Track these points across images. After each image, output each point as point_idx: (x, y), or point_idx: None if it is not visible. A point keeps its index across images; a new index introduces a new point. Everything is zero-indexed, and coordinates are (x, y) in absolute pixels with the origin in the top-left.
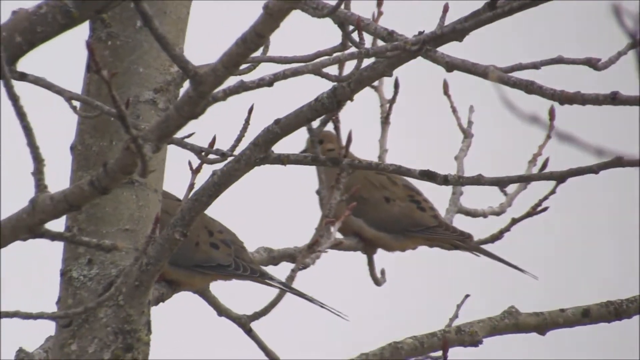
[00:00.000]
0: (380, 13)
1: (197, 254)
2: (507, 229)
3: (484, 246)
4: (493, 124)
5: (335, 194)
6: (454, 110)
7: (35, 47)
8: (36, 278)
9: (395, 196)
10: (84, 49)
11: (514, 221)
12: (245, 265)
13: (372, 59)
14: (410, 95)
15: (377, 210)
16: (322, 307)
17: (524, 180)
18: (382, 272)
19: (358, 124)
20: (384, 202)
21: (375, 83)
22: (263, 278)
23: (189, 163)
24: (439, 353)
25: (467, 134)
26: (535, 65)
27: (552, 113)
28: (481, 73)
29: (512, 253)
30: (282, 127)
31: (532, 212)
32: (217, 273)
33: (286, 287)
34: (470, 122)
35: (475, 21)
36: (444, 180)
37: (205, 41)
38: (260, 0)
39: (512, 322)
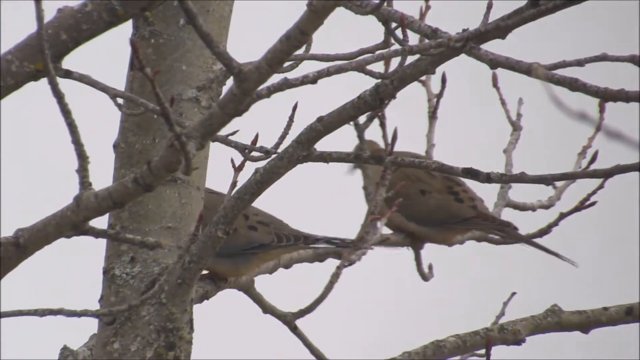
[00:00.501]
0: (427, 7)
1: (238, 239)
2: (555, 223)
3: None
4: (541, 118)
5: (381, 190)
6: (503, 103)
7: (81, 45)
8: (79, 276)
9: (431, 188)
10: (128, 47)
11: (562, 215)
12: (287, 235)
13: (416, 57)
14: (458, 89)
15: (413, 204)
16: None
17: (568, 177)
18: (430, 267)
19: (405, 119)
20: (419, 195)
21: (423, 78)
22: (307, 243)
23: (232, 161)
24: (482, 351)
25: (515, 127)
26: (580, 63)
27: (602, 106)
28: (525, 70)
29: (558, 248)
30: (324, 125)
31: (580, 206)
32: (263, 251)
33: (332, 243)
34: (519, 115)
35: (518, 18)
36: (486, 177)
37: (247, 39)
38: None
39: (555, 321)
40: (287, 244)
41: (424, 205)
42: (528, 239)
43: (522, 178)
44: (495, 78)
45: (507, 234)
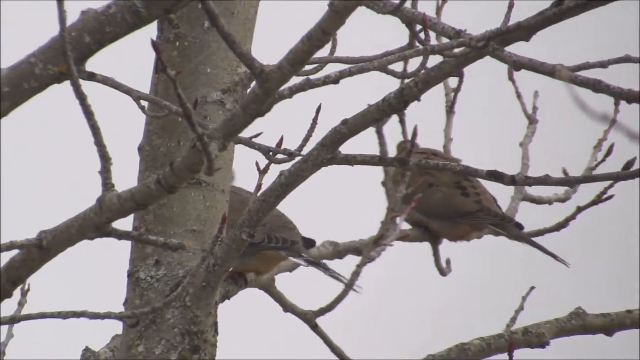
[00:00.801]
0: (444, 1)
1: None
2: (572, 217)
3: (540, 235)
4: (557, 111)
5: (401, 187)
6: (519, 96)
7: (104, 47)
8: (103, 278)
9: (439, 182)
10: (152, 49)
11: (579, 209)
12: (277, 238)
13: (438, 58)
14: (475, 83)
15: (421, 196)
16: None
17: (591, 180)
18: (447, 261)
19: (423, 114)
20: (426, 188)
21: None
22: (292, 251)
23: (256, 163)
24: (506, 354)
25: (531, 120)
26: (603, 64)
27: (617, 102)
28: (548, 72)
29: (577, 244)
30: (349, 128)
31: (597, 200)
32: (258, 251)
33: (309, 262)
34: (535, 108)
35: (541, 18)
36: (511, 180)
37: (273, 42)
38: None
39: (579, 324)
40: (275, 246)
41: (431, 198)
42: (526, 237)
43: (546, 180)
44: (510, 72)
45: (507, 231)
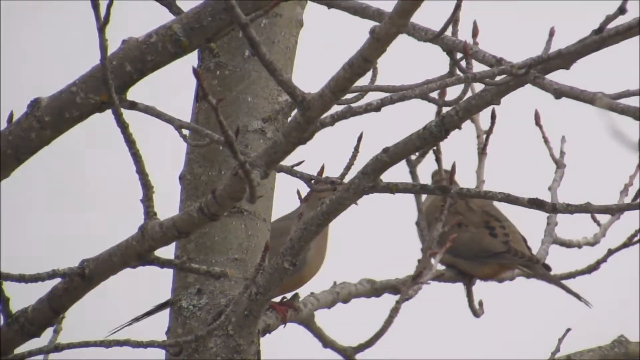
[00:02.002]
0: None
1: None
2: (603, 259)
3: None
4: (586, 154)
5: (438, 225)
6: (546, 141)
7: (145, 76)
8: (146, 307)
9: (468, 222)
10: (193, 79)
11: (610, 252)
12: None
13: (479, 86)
14: (508, 125)
15: (444, 236)
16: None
17: (633, 208)
18: (480, 303)
19: (454, 155)
20: (456, 227)
21: None
22: (530, 268)
23: (298, 192)
24: None
25: (559, 165)
26: None
27: None
28: (589, 100)
29: (607, 284)
30: (390, 156)
31: (628, 242)
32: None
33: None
34: (562, 153)
35: (581, 46)
36: (552, 208)
37: (312, 71)
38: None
39: (622, 351)
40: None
41: (459, 238)
42: (552, 277)
43: (588, 208)
44: (537, 116)
45: (533, 271)
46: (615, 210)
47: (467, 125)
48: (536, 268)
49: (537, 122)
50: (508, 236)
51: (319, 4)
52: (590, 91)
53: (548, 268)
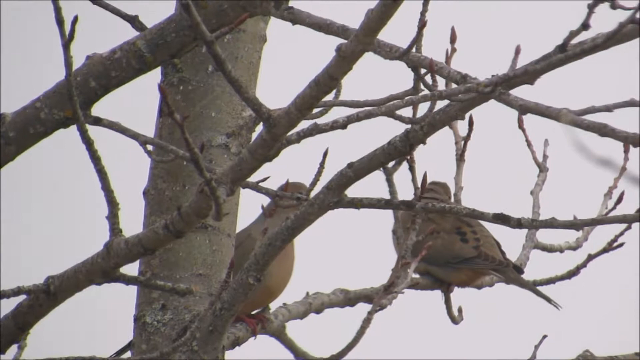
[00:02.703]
0: (454, 50)
1: None
2: (583, 264)
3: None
4: (568, 160)
5: (411, 234)
6: (529, 144)
7: (110, 92)
8: (110, 323)
9: (440, 228)
10: (156, 94)
11: (590, 257)
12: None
13: (445, 102)
14: (485, 132)
15: (423, 244)
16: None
17: (598, 222)
18: (460, 310)
19: (432, 162)
20: (429, 235)
21: None
22: (501, 272)
23: (262, 207)
24: None
25: (542, 168)
26: (608, 108)
27: (626, 147)
28: (554, 116)
29: (587, 290)
30: (355, 171)
31: (608, 247)
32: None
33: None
34: (545, 156)
35: (546, 63)
36: (517, 223)
37: (276, 86)
38: (333, 43)
39: None
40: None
41: (432, 245)
42: (523, 280)
43: (552, 223)
44: (521, 120)
45: (505, 275)
46: (581, 226)
47: (446, 131)
48: (507, 272)
49: (520, 126)
50: (479, 241)
51: (283, 20)
52: (555, 107)
53: (520, 271)
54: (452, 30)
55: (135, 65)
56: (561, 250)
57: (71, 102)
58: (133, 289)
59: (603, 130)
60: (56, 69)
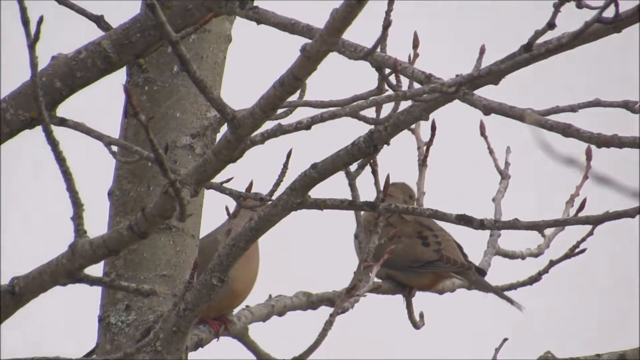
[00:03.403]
0: (416, 55)
1: None
2: (545, 270)
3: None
4: (530, 165)
5: (374, 237)
6: (491, 152)
7: (75, 93)
8: (75, 324)
9: (401, 232)
10: (122, 94)
11: (552, 263)
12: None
13: (409, 102)
14: (447, 137)
15: (383, 248)
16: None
17: (561, 224)
18: (421, 315)
19: (395, 167)
20: (392, 240)
21: (412, 125)
22: (463, 275)
23: (226, 208)
24: None
25: (504, 175)
26: (573, 108)
27: (588, 154)
28: (518, 116)
29: (550, 295)
30: (319, 172)
31: (570, 254)
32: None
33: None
34: (507, 164)
35: (511, 63)
36: (480, 224)
37: (242, 86)
38: (298, 44)
39: None
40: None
41: (387, 247)
42: (486, 283)
43: (515, 225)
44: (483, 127)
45: (467, 277)
46: (543, 227)
47: (409, 136)
48: (469, 274)
49: (482, 133)
50: (440, 244)
51: (247, 20)
52: (519, 107)
53: (482, 273)
54: (415, 35)
55: (101, 65)
56: (523, 257)
57: (36, 103)
58: (98, 290)
59: (567, 131)
60: (21, 69)
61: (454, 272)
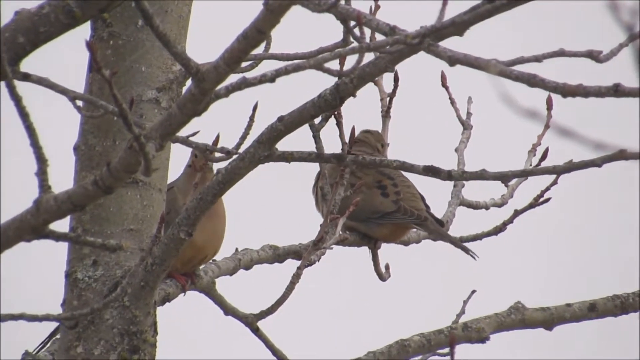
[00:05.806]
0: (377, 7)
1: None
2: (510, 220)
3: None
4: (493, 116)
5: (340, 189)
6: (453, 102)
7: (38, 47)
8: (41, 280)
9: (361, 182)
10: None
11: (517, 213)
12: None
13: (374, 54)
14: (410, 88)
15: (343, 199)
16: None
17: (527, 174)
18: (387, 267)
19: (359, 118)
20: (349, 189)
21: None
22: (422, 226)
23: (193, 162)
24: (446, 350)
25: (466, 126)
26: (537, 59)
27: (549, 103)
28: (483, 67)
29: (515, 245)
30: (285, 125)
31: (535, 203)
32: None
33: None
34: (469, 114)
35: (474, 14)
36: (447, 175)
37: (207, 40)
38: None
39: (518, 318)
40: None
41: (351, 200)
42: (443, 232)
43: (483, 175)
44: (444, 78)
45: (425, 228)
46: (511, 177)
47: (372, 88)
48: (427, 225)
49: (444, 84)
50: (399, 194)
51: None
52: (484, 58)
53: (441, 224)
54: None
55: (64, 20)
56: (487, 207)
57: None
58: (64, 246)
59: (532, 81)
60: None
61: (413, 223)
